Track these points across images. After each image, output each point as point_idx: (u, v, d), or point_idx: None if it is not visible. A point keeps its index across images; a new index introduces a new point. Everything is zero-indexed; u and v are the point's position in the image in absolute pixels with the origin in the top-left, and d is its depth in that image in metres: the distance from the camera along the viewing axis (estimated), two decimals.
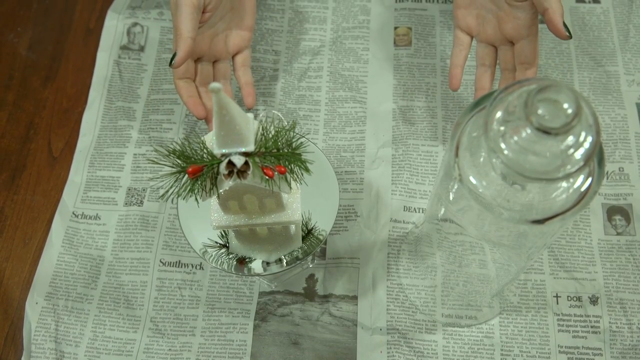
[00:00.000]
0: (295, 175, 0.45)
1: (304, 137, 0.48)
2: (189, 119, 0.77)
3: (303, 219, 0.56)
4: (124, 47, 0.82)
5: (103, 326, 0.66)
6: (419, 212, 0.70)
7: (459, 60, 0.68)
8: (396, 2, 0.84)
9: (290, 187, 0.47)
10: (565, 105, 0.35)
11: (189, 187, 0.43)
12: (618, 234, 0.68)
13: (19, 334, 0.66)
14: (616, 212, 0.69)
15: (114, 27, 0.84)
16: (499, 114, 0.36)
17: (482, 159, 0.40)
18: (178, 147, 0.44)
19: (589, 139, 0.35)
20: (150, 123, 0.77)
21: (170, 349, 0.65)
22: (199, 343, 0.65)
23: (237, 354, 0.64)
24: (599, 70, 0.77)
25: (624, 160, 0.71)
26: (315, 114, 0.76)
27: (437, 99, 0.77)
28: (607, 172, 0.71)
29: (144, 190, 0.73)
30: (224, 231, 0.57)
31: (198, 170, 0.42)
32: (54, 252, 0.70)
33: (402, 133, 0.74)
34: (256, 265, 0.56)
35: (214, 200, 0.50)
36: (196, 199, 0.44)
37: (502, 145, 0.36)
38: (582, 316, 0.64)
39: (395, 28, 0.82)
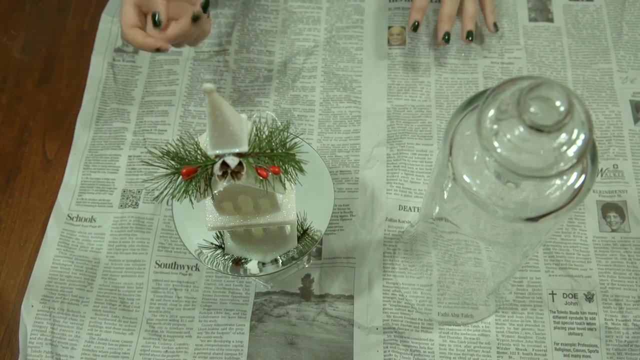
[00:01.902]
0: (289, 176, 0.45)
1: (297, 137, 0.48)
2: (184, 121, 0.77)
3: (298, 219, 0.56)
4: (118, 50, 0.82)
5: (99, 328, 0.66)
6: (414, 211, 0.70)
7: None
8: (390, 1, 0.84)
9: (285, 188, 0.47)
10: (558, 103, 0.35)
11: (183, 189, 0.43)
12: (613, 230, 0.68)
13: (14, 338, 0.66)
14: (611, 209, 0.69)
15: (108, 29, 0.84)
16: (491, 112, 0.36)
17: (475, 158, 0.40)
18: (172, 149, 0.44)
19: (582, 136, 0.35)
20: (144, 125, 0.77)
21: (166, 351, 0.65)
22: (195, 344, 0.65)
23: (234, 355, 0.64)
24: (592, 67, 0.77)
25: (618, 157, 0.72)
26: (310, 114, 0.76)
27: (432, 98, 0.77)
28: (601, 169, 0.71)
29: (139, 192, 0.73)
30: (220, 232, 0.57)
31: (192, 172, 0.42)
32: (50, 255, 0.69)
33: (396, 132, 0.74)
34: (252, 266, 0.56)
35: (208, 201, 0.50)
36: (190, 200, 0.44)
37: (495, 144, 0.36)
38: (577, 313, 0.64)
39: (389, 27, 0.82)
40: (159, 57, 0.81)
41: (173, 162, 0.44)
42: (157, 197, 0.44)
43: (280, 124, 0.46)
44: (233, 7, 0.84)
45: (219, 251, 0.57)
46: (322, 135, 0.75)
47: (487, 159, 0.37)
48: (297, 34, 0.82)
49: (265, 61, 0.80)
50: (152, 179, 0.62)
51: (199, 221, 0.52)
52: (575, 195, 0.39)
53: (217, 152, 0.42)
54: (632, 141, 0.72)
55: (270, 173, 0.43)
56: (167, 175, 0.44)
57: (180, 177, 0.43)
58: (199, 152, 0.43)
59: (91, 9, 0.86)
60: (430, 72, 0.79)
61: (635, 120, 0.74)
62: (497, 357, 0.63)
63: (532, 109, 0.34)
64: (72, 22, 0.85)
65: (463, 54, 0.79)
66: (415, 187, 0.71)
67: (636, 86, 0.76)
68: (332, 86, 0.78)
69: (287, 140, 0.45)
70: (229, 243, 0.56)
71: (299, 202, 0.53)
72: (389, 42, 0.81)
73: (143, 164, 0.74)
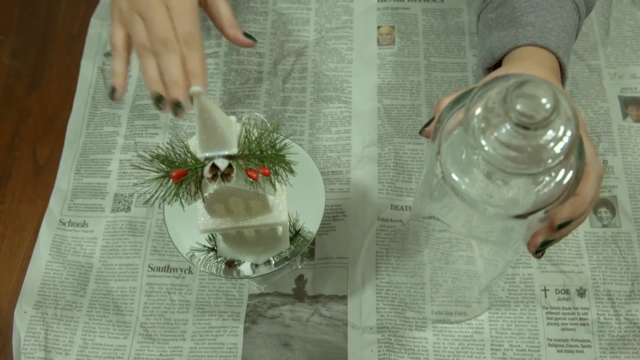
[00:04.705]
0: (279, 177, 0.45)
1: (287, 138, 0.48)
2: (175, 124, 0.77)
3: (290, 220, 0.56)
4: (108, 54, 0.82)
5: (93, 333, 0.66)
6: (406, 210, 0.70)
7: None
8: (379, 1, 0.84)
9: (275, 189, 0.47)
10: (544, 100, 0.35)
11: (173, 192, 0.43)
12: (604, 226, 0.69)
13: (8, 344, 0.66)
14: (601, 205, 0.70)
15: (97, 34, 0.83)
16: (478, 111, 0.36)
17: (464, 156, 0.40)
18: (162, 152, 0.44)
19: (569, 132, 0.35)
20: (135, 129, 0.77)
21: (161, 354, 0.64)
22: (189, 347, 0.65)
23: (228, 357, 0.64)
24: (580, 64, 0.78)
25: (607, 153, 0.72)
26: (301, 115, 0.77)
27: (422, 97, 0.77)
28: None
29: (130, 196, 0.72)
30: (212, 235, 0.57)
31: (182, 175, 0.42)
32: (42, 261, 0.69)
33: (387, 132, 0.75)
34: (245, 268, 0.56)
35: (200, 204, 0.50)
36: (181, 203, 0.44)
37: (483, 142, 0.36)
38: (570, 309, 0.65)
39: (379, 27, 0.82)
40: None
41: (163, 166, 0.44)
42: (148, 200, 0.44)
43: (269, 125, 0.46)
44: None
45: (211, 254, 0.57)
46: (313, 136, 0.75)
47: (475, 157, 0.38)
48: (287, 35, 0.82)
49: (255, 63, 0.80)
50: (142, 183, 0.62)
51: (191, 224, 0.52)
52: (564, 191, 0.39)
53: (207, 154, 0.42)
54: (621, 136, 0.73)
55: (260, 175, 0.43)
56: (157, 178, 0.44)
57: (171, 180, 0.43)
58: (188, 155, 0.43)
59: (80, 13, 0.85)
60: (420, 71, 0.79)
61: (624, 116, 0.74)
62: (491, 354, 0.63)
63: (518, 107, 0.35)
64: (61, 27, 0.85)
65: (452, 53, 0.80)
66: (407, 187, 0.71)
67: (624, 82, 0.76)
68: (323, 87, 0.78)
69: (277, 142, 0.45)
70: (222, 245, 0.56)
71: (290, 204, 0.53)
72: (378, 42, 0.81)
73: (134, 168, 0.74)
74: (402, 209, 0.70)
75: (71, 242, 0.70)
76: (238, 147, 0.43)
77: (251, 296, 0.67)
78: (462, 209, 0.43)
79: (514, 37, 0.55)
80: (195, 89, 0.37)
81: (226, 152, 0.42)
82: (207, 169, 0.41)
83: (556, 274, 0.66)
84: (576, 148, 0.39)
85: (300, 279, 0.67)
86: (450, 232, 0.55)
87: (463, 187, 0.40)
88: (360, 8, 0.84)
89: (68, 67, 0.82)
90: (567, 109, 0.36)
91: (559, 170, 0.39)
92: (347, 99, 0.78)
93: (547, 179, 0.40)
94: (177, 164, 0.43)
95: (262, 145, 0.44)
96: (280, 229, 0.55)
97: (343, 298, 0.66)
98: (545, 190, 0.40)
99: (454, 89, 0.77)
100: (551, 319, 0.65)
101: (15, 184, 0.74)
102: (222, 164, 0.41)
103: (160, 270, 0.69)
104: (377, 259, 0.68)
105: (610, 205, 0.69)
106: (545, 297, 0.65)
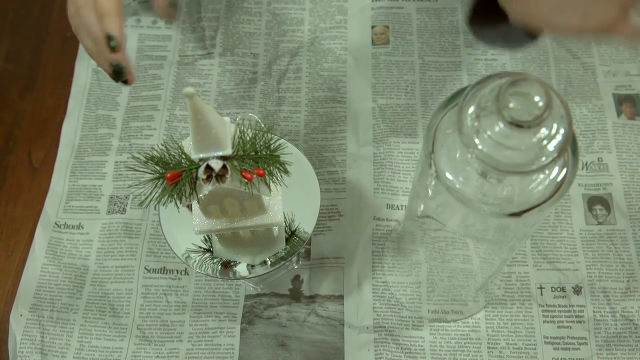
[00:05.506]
0: (274, 177, 0.45)
1: (281, 138, 0.48)
2: (170, 125, 0.76)
3: (286, 220, 0.56)
4: None
5: (89, 336, 0.66)
6: (401, 209, 0.70)
7: None
8: (373, 1, 0.84)
9: (270, 190, 0.47)
10: (536, 98, 0.35)
11: (168, 193, 0.43)
12: (599, 223, 0.69)
13: (4, 348, 0.66)
14: (596, 202, 0.70)
15: None
16: (471, 109, 0.36)
17: (458, 155, 0.40)
18: (156, 154, 0.44)
19: (562, 130, 0.36)
20: (130, 130, 0.76)
21: (157, 356, 0.64)
22: (186, 349, 0.65)
23: (225, 358, 0.64)
24: (575, 62, 0.78)
25: (602, 150, 0.72)
26: (296, 115, 0.77)
27: (417, 96, 0.77)
28: (586, 163, 0.72)
29: (126, 197, 0.72)
30: (207, 235, 0.57)
31: (176, 176, 0.42)
32: (38, 263, 0.69)
33: (382, 131, 0.75)
34: (241, 269, 0.56)
35: (195, 205, 0.50)
36: (176, 205, 0.44)
37: (476, 141, 0.36)
38: (566, 306, 0.65)
39: (373, 27, 0.82)
40: (142, 62, 0.81)
41: (157, 167, 0.44)
42: (143, 202, 0.44)
43: (263, 125, 0.46)
44: (216, 10, 0.84)
45: (207, 255, 0.57)
46: (308, 136, 0.75)
47: (469, 156, 0.38)
48: (281, 36, 0.82)
49: (250, 63, 0.80)
50: (137, 185, 0.62)
51: (187, 225, 0.52)
52: (558, 188, 0.40)
53: (201, 155, 0.42)
54: (615, 134, 0.73)
55: (254, 175, 0.43)
56: (152, 180, 0.44)
57: (165, 181, 0.43)
58: (183, 156, 0.43)
59: None
60: (415, 70, 0.79)
61: (619, 114, 0.74)
62: (488, 352, 0.63)
63: (511, 105, 0.35)
64: (55, 29, 0.85)
65: (446, 52, 0.80)
66: (402, 186, 0.72)
67: (618, 79, 0.76)
68: (317, 87, 0.78)
69: (271, 142, 0.45)
70: (217, 246, 0.56)
71: (286, 204, 0.53)
72: (372, 41, 0.81)
73: (129, 170, 0.74)
74: (398, 208, 0.70)
75: (67, 244, 0.70)
76: (232, 147, 0.43)
77: (247, 297, 0.67)
78: (457, 208, 0.43)
79: None
80: (189, 89, 0.37)
81: (220, 153, 0.42)
82: (201, 170, 0.41)
83: (552, 272, 0.66)
84: (570, 145, 0.39)
85: (296, 279, 0.67)
86: (446, 231, 0.55)
87: (457, 185, 0.40)
88: (355, 8, 0.84)
89: (62, 70, 0.82)
90: (560, 107, 0.36)
91: (553, 167, 0.40)
92: (342, 98, 0.78)
93: (541, 176, 0.40)
94: (171, 165, 0.43)
95: (257, 145, 0.44)
96: (275, 229, 0.55)
97: (339, 298, 0.66)
98: (540, 188, 0.40)
99: (449, 87, 0.77)
100: (547, 316, 0.65)
101: (10, 187, 0.74)
102: (216, 165, 0.41)
103: (156, 271, 0.68)
104: (373, 259, 0.68)
105: (605, 202, 0.70)
106: (541, 294, 0.66)
